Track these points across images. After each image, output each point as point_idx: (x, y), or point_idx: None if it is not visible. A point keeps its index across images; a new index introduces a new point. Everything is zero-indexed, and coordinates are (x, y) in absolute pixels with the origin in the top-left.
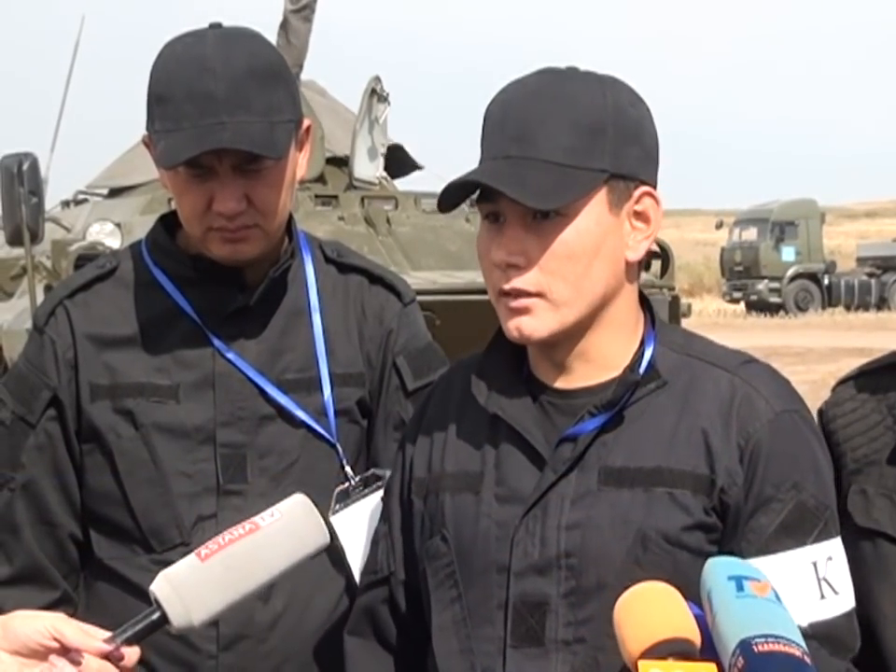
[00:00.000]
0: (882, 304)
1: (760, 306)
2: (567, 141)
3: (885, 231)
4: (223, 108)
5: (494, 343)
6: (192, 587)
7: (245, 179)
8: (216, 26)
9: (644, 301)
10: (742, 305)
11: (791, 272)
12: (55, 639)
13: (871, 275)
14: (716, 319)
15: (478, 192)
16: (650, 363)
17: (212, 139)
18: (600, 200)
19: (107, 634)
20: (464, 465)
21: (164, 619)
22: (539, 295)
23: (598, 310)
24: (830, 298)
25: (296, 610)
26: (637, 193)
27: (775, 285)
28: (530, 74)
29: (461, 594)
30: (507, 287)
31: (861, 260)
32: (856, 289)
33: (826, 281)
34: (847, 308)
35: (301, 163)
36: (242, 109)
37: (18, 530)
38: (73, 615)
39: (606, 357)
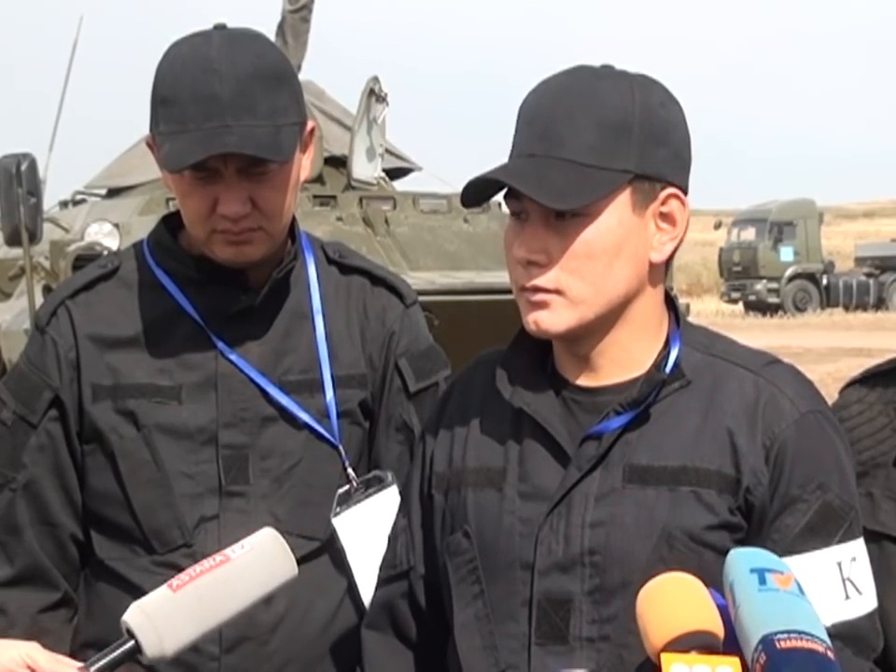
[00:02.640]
0: (880, 304)
1: (758, 306)
2: (592, 140)
3: (883, 232)
4: (228, 111)
5: (517, 339)
6: (165, 617)
7: (250, 182)
8: (220, 27)
9: (669, 301)
10: (740, 305)
11: (789, 272)
12: (29, 668)
13: (869, 275)
14: (714, 319)
15: (506, 190)
16: (675, 362)
17: (218, 143)
18: (623, 200)
19: (80, 664)
20: (486, 460)
21: (137, 648)
22: (557, 292)
23: (620, 308)
24: (828, 298)
25: (298, 612)
26: (662, 195)
27: (773, 285)
28: (563, 70)
29: (484, 590)
30: (528, 283)
31: (860, 260)
32: (854, 289)
33: (824, 281)
34: (846, 308)
35: (305, 165)
36: (247, 112)
37: (19, 531)
38: (73, 616)
39: (629, 355)
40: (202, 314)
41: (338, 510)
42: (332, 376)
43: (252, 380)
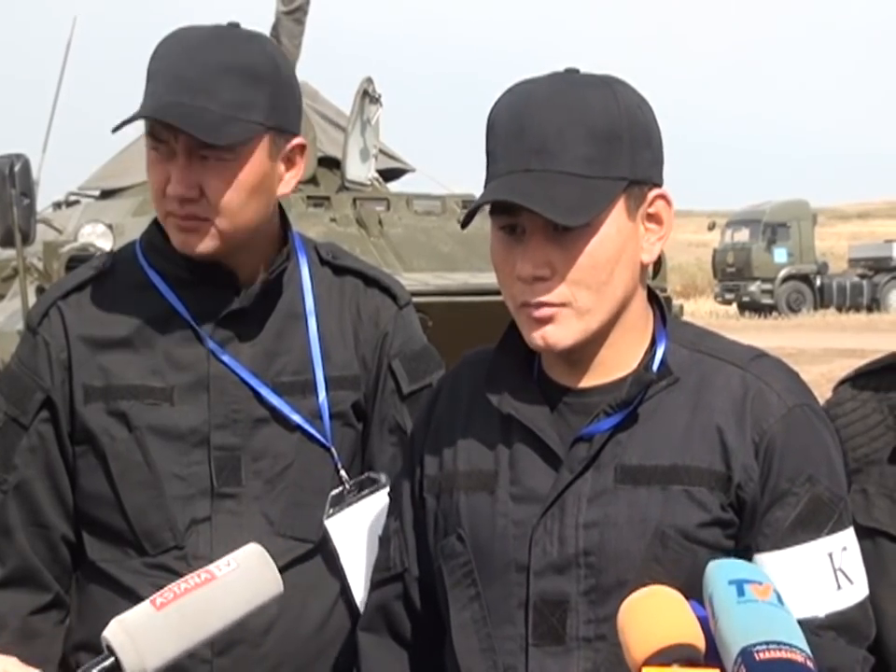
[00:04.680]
0: (874, 305)
1: (752, 307)
2: (586, 151)
3: (877, 233)
4: (186, 91)
5: (504, 342)
6: (147, 635)
7: (201, 168)
8: (234, 25)
9: (654, 299)
10: (734, 306)
11: (783, 273)
12: None
13: (863, 276)
14: (708, 320)
15: (491, 204)
16: (662, 361)
17: (161, 111)
18: (620, 207)
19: None
20: (477, 463)
21: (118, 666)
22: (563, 304)
23: (618, 313)
24: (822, 299)
25: (290, 615)
26: (650, 196)
27: (767, 286)
28: (535, 80)
29: (480, 592)
30: (533, 300)
31: (853, 262)
32: (848, 290)
33: (818, 282)
34: (839, 309)
35: (288, 180)
36: (205, 95)
37: (10, 532)
38: (65, 618)
39: (619, 356)
40: (193, 314)
41: (331, 511)
42: (325, 377)
43: (244, 381)
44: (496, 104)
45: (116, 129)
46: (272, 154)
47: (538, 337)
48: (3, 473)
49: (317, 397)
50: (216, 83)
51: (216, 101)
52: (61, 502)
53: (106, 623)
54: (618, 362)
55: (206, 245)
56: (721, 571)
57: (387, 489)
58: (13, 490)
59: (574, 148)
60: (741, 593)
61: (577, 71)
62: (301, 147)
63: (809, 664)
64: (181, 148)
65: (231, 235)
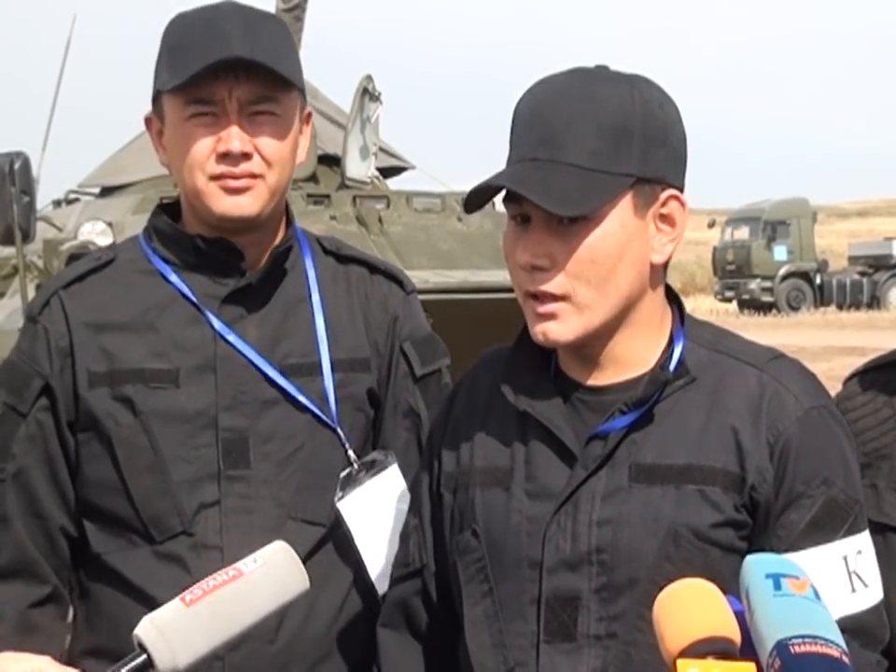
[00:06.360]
0: (874, 303)
1: (752, 305)
2: (594, 144)
3: (876, 230)
4: (235, 37)
5: (521, 339)
6: (178, 631)
7: (251, 127)
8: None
9: (673, 298)
10: (734, 304)
11: (782, 271)
12: None
13: (862, 274)
14: (708, 318)
15: (504, 193)
16: (679, 360)
17: (224, 50)
18: (626, 204)
19: None
20: (493, 460)
21: (150, 662)
22: (563, 298)
23: (625, 311)
24: (822, 297)
25: (301, 611)
26: (663, 196)
27: (767, 284)
28: (560, 73)
29: (492, 588)
30: (532, 289)
31: (853, 259)
32: (847, 288)
33: (818, 280)
34: (839, 307)
35: (303, 145)
36: (254, 38)
37: (7, 522)
38: (65, 614)
39: (634, 354)
40: (198, 295)
41: (341, 494)
42: (331, 360)
43: (252, 362)
44: (520, 97)
45: (183, 82)
46: (300, 115)
47: (539, 332)
48: (1, 462)
49: (324, 379)
50: (258, 30)
51: (264, 44)
52: (59, 492)
53: (116, 627)
54: (634, 360)
55: (255, 205)
56: (758, 565)
57: (395, 466)
58: (11, 479)
59: (581, 141)
60: (778, 586)
61: (606, 67)
62: (309, 116)
63: (845, 659)
64: (235, 106)
65: (276, 193)
